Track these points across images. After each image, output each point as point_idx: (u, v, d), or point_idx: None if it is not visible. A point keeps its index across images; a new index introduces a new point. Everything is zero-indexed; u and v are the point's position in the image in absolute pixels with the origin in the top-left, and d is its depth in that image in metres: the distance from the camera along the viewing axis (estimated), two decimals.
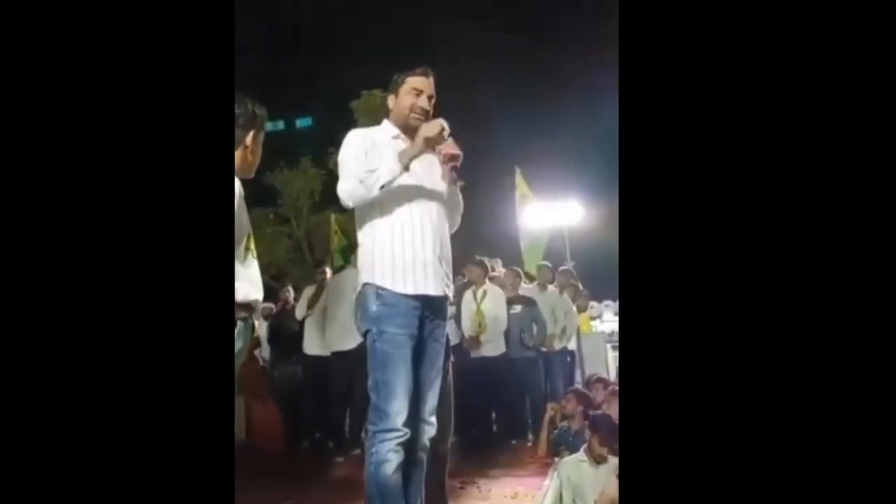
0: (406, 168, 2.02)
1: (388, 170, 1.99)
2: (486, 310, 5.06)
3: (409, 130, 2.14)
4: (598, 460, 2.92)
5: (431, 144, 2.04)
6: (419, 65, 2.20)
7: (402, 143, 2.13)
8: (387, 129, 2.20)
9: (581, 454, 3.02)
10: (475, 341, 5.03)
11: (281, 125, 22.13)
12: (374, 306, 1.98)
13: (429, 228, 2.07)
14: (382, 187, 1.99)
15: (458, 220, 2.27)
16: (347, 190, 2.01)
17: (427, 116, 2.15)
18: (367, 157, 2.05)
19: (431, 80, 2.20)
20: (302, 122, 20.80)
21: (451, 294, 2.14)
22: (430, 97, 2.18)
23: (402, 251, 2.01)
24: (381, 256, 2.02)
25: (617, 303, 12.25)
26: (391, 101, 2.22)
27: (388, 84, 2.25)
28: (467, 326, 5.09)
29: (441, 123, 2.04)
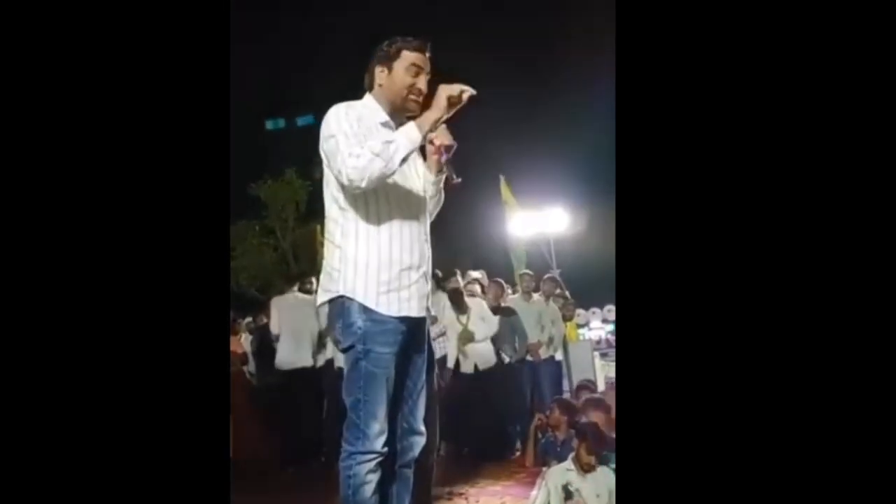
0: (429, 133, 1.82)
1: (409, 139, 1.78)
2: (475, 327, 5.02)
3: (398, 112, 1.94)
4: (586, 469, 2.91)
5: (453, 105, 1.83)
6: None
7: (392, 133, 1.88)
8: (372, 108, 1.93)
9: (569, 463, 3.02)
10: (464, 358, 5.03)
11: (282, 123, 21.78)
12: (359, 321, 1.83)
13: (416, 241, 1.91)
14: (404, 160, 1.78)
15: (435, 213, 2.07)
16: (360, 166, 1.74)
17: (423, 99, 1.92)
18: (362, 135, 1.82)
19: (429, 55, 1.93)
20: (303, 121, 20.33)
21: (433, 310, 1.99)
22: (427, 75, 1.93)
23: (388, 271, 1.85)
24: (364, 273, 1.85)
25: (603, 310, 12.28)
26: (380, 74, 1.93)
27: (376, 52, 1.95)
28: (458, 349, 5.00)
29: (461, 87, 1.82)
